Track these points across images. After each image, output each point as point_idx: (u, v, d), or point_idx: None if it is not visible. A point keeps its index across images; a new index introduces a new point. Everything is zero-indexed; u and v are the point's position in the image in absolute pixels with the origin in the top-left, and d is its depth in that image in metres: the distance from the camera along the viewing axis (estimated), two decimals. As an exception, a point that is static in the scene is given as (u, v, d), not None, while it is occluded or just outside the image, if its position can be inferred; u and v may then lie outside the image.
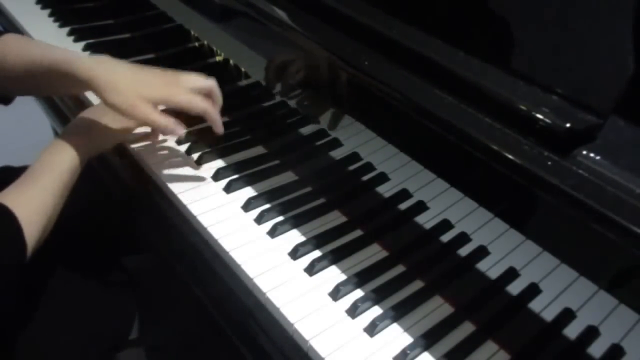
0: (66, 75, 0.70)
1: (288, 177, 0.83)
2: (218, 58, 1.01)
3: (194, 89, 0.73)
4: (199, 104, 0.73)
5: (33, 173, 0.70)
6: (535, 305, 0.65)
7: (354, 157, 0.82)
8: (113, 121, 0.78)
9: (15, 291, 0.70)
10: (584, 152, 0.53)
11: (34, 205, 0.67)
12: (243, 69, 0.95)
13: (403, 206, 0.77)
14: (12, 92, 0.82)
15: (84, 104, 0.95)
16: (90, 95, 0.93)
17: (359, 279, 0.69)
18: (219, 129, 0.76)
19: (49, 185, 0.70)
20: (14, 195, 0.67)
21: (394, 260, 0.72)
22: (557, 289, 0.63)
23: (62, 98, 1.02)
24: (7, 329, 0.76)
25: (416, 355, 0.62)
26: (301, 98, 0.86)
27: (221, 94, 0.77)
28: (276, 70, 0.86)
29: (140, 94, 0.69)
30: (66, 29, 1.14)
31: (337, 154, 0.84)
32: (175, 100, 0.72)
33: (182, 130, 0.71)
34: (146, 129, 0.84)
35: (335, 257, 0.71)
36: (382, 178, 0.80)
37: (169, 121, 0.70)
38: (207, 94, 0.75)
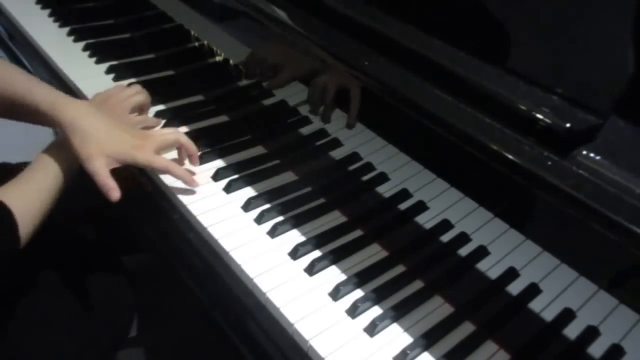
0: (47, 116, 0.74)
1: (288, 177, 0.83)
2: (218, 58, 1.01)
3: (163, 147, 0.78)
4: (160, 165, 0.76)
5: (30, 171, 0.73)
6: (535, 305, 0.65)
7: (354, 157, 0.82)
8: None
9: (5, 281, 0.74)
10: (584, 152, 0.53)
11: (29, 202, 0.70)
12: (243, 69, 0.95)
13: (403, 206, 0.77)
14: None
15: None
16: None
17: (359, 279, 0.69)
18: (189, 182, 0.78)
19: (45, 184, 0.73)
20: (11, 192, 0.70)
21: (394, 260, 0.72)
22: (557, 289, 0.63)
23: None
24: (3, 326, 0.76)
25: (416, 355, 0.62)
26: (300, 98, 0.86)
27: (190, 142, 0.80)
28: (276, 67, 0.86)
29: (104, 149, 0.73)
30: (66, 29, 1.14)
31: (337, 154, 0.84)
32: (138, 162, 0.76)
33: (116, 194, 0.73)
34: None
35: (335, 257, 0.71)
36: (382, 178, 0.80)
37: (108, 184, 0.73)
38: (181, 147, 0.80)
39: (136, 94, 0.89)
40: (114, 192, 0.73)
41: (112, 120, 0.77)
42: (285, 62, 0.85)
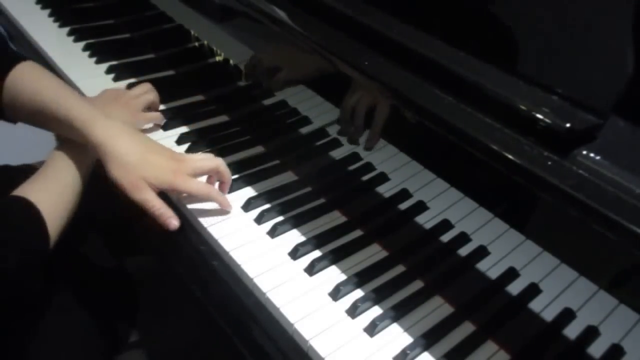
0: (78, 132, 0.71)
1: (288, 177, 0.83)
2: (218, 58, 1.01)
3: (199, 173, 0.74)
4: (200, 190, 0.73)
5: (53, 167, 0.72)
6: (535, 305, 0.65)
7: (354, 157, 0.82)
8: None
9: (39, 280, 0.72)
10: (584, 152, 0.53)
11: (55, 199, 0.69)
12: (243, 69, 0.95)
13: (403, 206, 0.77)
14: (21, 121, 0.82)
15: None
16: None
17: (359, 279, 0.69)
18: (227, 208, 0.75)
19: (69, 179, 0.72)
20: (36, 191, 0.69)
21: (394, 260, 0.72)
22: (557, 289, 0.63)
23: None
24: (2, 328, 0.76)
25: (416, 355, 0.62)
26: (300, 98, 0.86)
27: (228, 171, 0.76)
28: (274, 69, 0.86)
29: (144, 176, 0.70)
30: (66, 29, 1.14)
31: (337, 154, 0.84)
32: (178, 188, 0.73)
33: (176, 222, 0.71)
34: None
35: (335, 257, 0.71)
36: (382, 178, 0.80)
37: (164, 213, 0.71)
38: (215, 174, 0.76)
39: (147, 92, 0.89)
40: (174, 220, 0.71)
41: (144, 141, 0.74)
42: (284, 63, 0.85)
